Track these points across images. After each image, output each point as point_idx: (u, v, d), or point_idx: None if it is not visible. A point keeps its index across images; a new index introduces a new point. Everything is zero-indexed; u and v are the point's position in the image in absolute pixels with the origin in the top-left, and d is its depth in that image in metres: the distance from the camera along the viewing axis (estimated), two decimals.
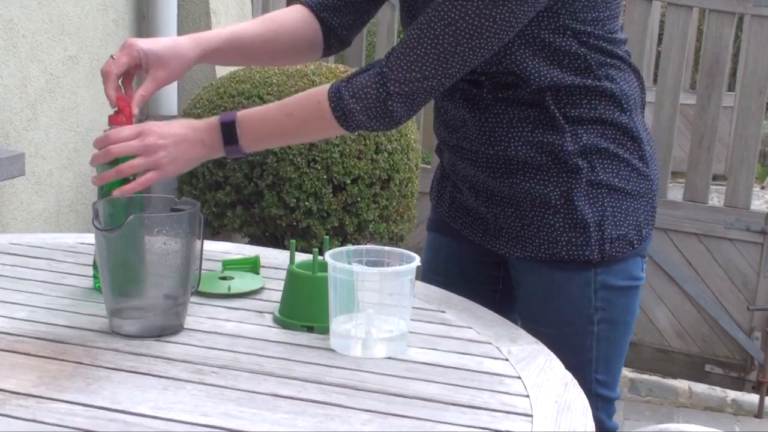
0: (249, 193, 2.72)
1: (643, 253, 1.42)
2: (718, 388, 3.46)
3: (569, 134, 1.33)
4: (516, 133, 1.34)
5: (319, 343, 1.18)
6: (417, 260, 1.16)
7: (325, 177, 2.67)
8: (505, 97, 1.33)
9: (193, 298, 1.26)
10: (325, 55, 1.53)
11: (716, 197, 4.28)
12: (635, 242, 1.39)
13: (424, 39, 1.24)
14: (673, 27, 3.48)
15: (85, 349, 1.12)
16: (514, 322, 1.47)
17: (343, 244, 2.71)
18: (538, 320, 1.42)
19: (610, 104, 1.35)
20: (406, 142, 2.86)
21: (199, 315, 1.26)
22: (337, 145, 2.68)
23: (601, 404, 1.44)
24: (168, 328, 1.18)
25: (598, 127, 1.35)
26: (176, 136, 1.28)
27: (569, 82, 1.32)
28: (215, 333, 1.20)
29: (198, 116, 2.77)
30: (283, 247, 2.72)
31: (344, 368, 1.10)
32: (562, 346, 1.32)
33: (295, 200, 2.67)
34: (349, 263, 1.17)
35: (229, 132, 1.29)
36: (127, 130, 1.28)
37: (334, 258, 1.16)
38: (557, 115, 1.33)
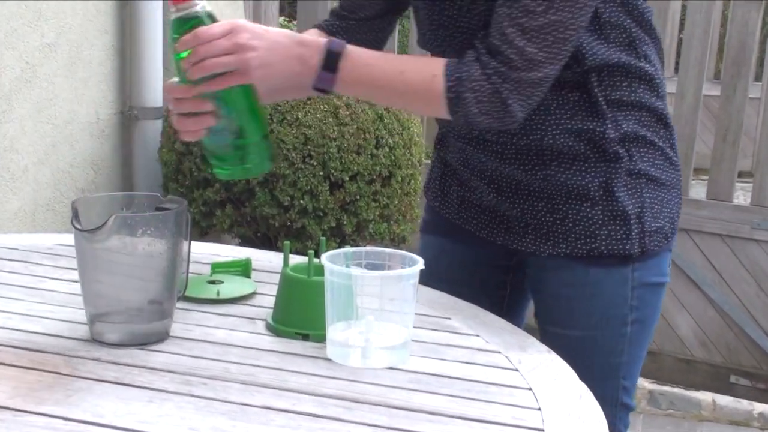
0: (239, 191, 2.73)
1: (671, 248, 1.44)
2: (744, 401, 3.46)
3: (610, 120, 1.35)
4: (554, 121, 1.35)
5: (316, 352, 1.18)
6: (420, 263, 1.16)
7: (321, 173, 2.67)
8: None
9: (180, 304, 1.26)
10: None
11: (742, 195, 4.28)
12: (669, 235, 1.41)
13: (544, 20, 1.20)
14: (696, 12, 3.48)
15: (64, 359, 1.12)
16: (520, 327, 1.48)
17: (340, 245, 2.71)
18: (565, 322, 1.43)
19: (647, 88, 1.38)
20: (408, 136, 2.86)
21: (187, 322, 1.26)
22: (335, 140, 2.68)
23: (623, 414, 1.45)
24: (153, 336, 1.18)
25: (636, 113, 1.37)
26: (272, 41, 1.22)
27: (615, 59, 1.33)
28: (204, 341, 1.20)
29: None
30: (277, 248, 2.72)
31: (342, 379, 1.10)
32: (590, 350, 1.33)
33: (289, 198, 2.68)
34: (348, 266, 1.18)
35: (332, 59, 1.23)
36: (217, 27, 1.19)
37: (332, 261, 1.16)
38: (600, 98, 1.34)
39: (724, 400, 3.45)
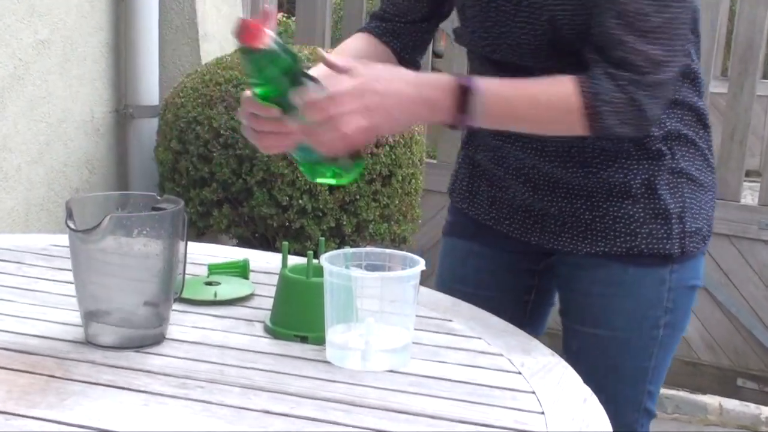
0: (237, 191, 2.73)
1: (705, 251, 1.45)
2: (751, 405, 3.45)
3: None
4: None
5: (315, 355, 1.18)
6: (421, 264, 1.16)
7: None
8: None
9: (176, 306, 1.26)
10: None
11: (750, 195, 4.28)
12: (706, 238, 1.43)
13: (659, 20, 1.21)
14: (703, 8, 3.48)
15: (57, 361, 1.12)
16: (539, 333, 1.48)
17: (340, 246, 2.71)
18: (596, 321, 1.43)
19: (690, 86, 1.39)
20: (409, 135, 2.86)
21: (183, 324, 1.26)
22: None
23: (645, 420, 1.46)
24: (148, 339, 1.18)
25: (679, 112, 1.38)
26: (401, 96, 1.21)
27: None
28: (201, 344, 1.20)
29: (181, 106, 2.77)
30: (275, 249, 2.72)
31: (342, 382, 1.10)
32: (620, 352, 1.34)
33: (287, 198, 2.68)
34: (347, 267, 1.18)
35: (466, 100, 1.23)
36: (346, 83, 1.18)
37: (331, 261, 1.16)
38: None
39: (731, 404, 3.45)
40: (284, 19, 6.98)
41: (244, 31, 1.14)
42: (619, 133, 1.25)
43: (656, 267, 1.40)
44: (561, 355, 1.52)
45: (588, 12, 1.26)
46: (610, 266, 1.41)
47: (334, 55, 1.42)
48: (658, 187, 1.38)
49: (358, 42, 1.51)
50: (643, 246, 1.39)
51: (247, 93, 1.22)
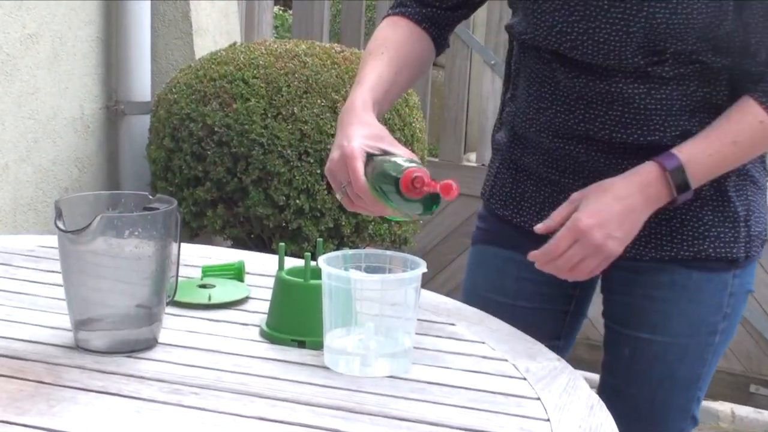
0: (232, 190, 2.73)
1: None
2: (764, 411, 3.45)
3: None
4: (674, 122, 1.36)
5: (312, 360, 1.18)
6: (423, 266, 1.16)
7: (318, 171, 2.67)
8: (684, 75, 1.34)
9: (169, 309, 1.26)
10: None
11: None
12: (764, 241, 1.44)
13: None
14: None
15: (47, 367, 1.12)
16: (571, 345, 1.49)
17: (339, 247, 2.71)
18: (654, 327, 1.44)
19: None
20: (410, 132, 2.86)
21: (176, 328, 1.26)
22: (332, 135, 2.68)
23: (691, 427, 1.47)
24: (141, 343, 1.18)
25: None
26: (618, 215, 1.31)
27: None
28: (194, 348, 1.20)
29: (174, 102, 2.77)
30: (271, 251, 2.72)
31: (340, 388, 1.11)
32: (677, 358, 1.35)
33: (284, 198, 2.68)
34: (346, 269, 1.18)
35: (680, 179, 1.32)
36: (564, 241, 1.31)
37: (329, 263, 1.16)
38: (724, 98, 1.35)
39: (744, 411, 3.45)
40: (280, 12, 6.97)
41: (449, 190, 1.15)
42: None
43: (721, 272, 1.42)
44: (604, 361, 1.52)
45: (691, 9, 1.28)
46: (673, 270, 1.42)
47: (377, 50, 1.45)
48: (727, 189, 1.40)
49: (398, 32, 1.50)
50: (710, 250, 1.40)
51: (362, 180, 1.24)
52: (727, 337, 1.46)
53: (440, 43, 1.54)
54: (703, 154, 1.32)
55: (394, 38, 1.48)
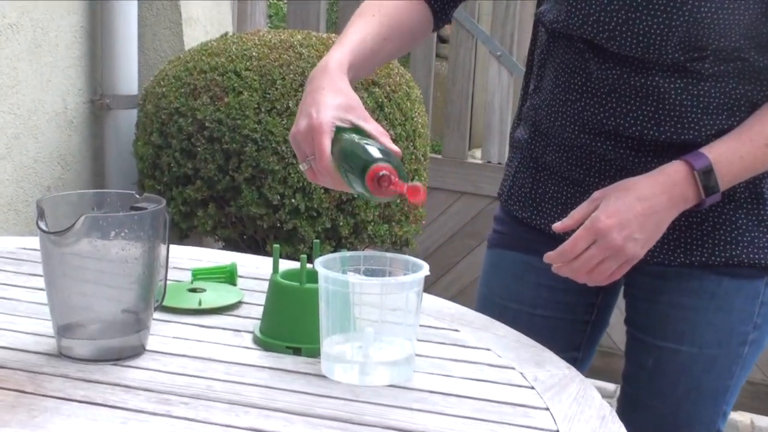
0: (223, 189, 2.73)
1: None
2: None
3: None
4: (709, 121, 1.35)
5: (308, 368, 1.18)
6: (425, 269, 1.16)
7: None
8: (724, 72, 1.34)
9: (157, 315, 1.26)
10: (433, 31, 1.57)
11: None
12: None
13: None
14: None
15: (28, 375, 1.12)
16: (591, 356, 1.48)
17: (336, 249, 2.71)
18: (681, 337, 1.44)
19: None
20: (411, 127, 2.86)
21: (165, 335, 1.26)
22: None
23: None
24: (127, 350, 1.18)
25: None
26: (639, 216, 1.30)
27: None
28: (184, 356, 1.20)
29: (163, 95, 2.78)
30: (265, 253, 2.72)
31: (338, 398, 1.11)
32: (705, 369, 1.35)
33: (278, 197, 2.68)
34: (344, 272, 1.18)
35: (709, 179, 1.31)
36: (581, 241, 1.31)
37: (326, 266, 1.16)
38: (765, 97, 1.35)
39: (764, 422, 3.45)
40: (275, 0, 6.98)
41: (417, 194, 1.16)
42: None
43: (753, 279, 1.42)
44: (625, 371, 1.52)
45: (738, 4, 1.28)
46: (702, 277, 1.42)
47: (368, 11, 1.43)
48: (764, 191, 1.39)
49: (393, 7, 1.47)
50: (743, 256, 1.40)
51: (328, 158, 1.23)
52: (757, 349, 1.46)
53: (440, 17, 1.53)
54: (734, 155, 1.32)
55: (389, 1, 1.47)
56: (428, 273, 1.17)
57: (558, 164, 1.48)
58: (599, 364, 1.29)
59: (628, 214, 1.30)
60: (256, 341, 1.26)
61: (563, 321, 1.52)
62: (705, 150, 1.32)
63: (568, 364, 1.25)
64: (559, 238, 1.43)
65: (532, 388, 1.17)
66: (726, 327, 1.43)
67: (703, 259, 1.41)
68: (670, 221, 1.33)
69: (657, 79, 1.35)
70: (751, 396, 3.53)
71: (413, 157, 2.86)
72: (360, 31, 1.39)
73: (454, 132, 3.64)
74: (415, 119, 2.89)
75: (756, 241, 1.40)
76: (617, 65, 1.36)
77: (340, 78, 1.30)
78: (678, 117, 1.35)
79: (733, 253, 1.40)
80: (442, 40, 5.28)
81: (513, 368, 1.22)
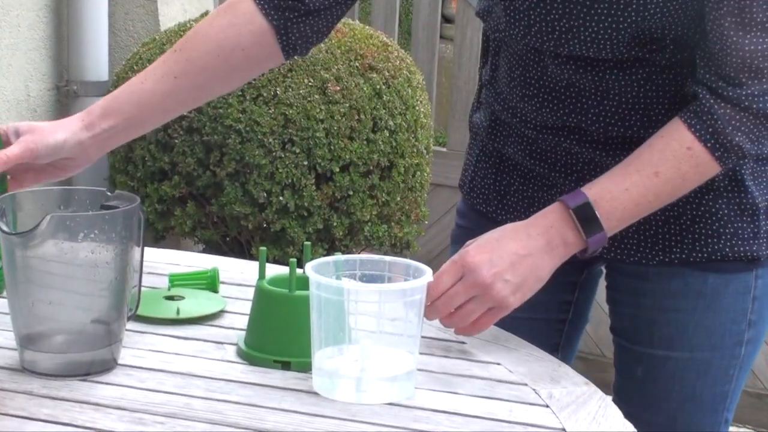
0: (204, 185, 2.73)
1: None
2: None
3: None
4: (676, 112, 1.35)
5: (298, 385, 1.19)
6: (428, 274, 1.17)
7: (305, 163, 2.68)
8: (686, 60, 1.34)
9: (131, 325, 1.26)
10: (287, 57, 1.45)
11: None
12: None
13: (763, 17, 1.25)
14: None
15: None
16: (571, 357, 1.48)
17: (329, 252, 2.71)
18: (670, 342, 1.45)
19: None
20: (413, 117, 2.87)
21: (139, 347, 1.27)
22: (322, 121, 2.69)
23: None
24: (97, 364, 1.18)
25: None
26: (512, 255, 1.28)
27: None
28: (160, 371, 1.21)
29: None
30: (250, 256, 2.72)
31: (331, 417, 1.11)
32: (699, 376, 1.36)
33: (265, 194, 2.68)
34: (338, 278, 1.18)
35: (588, 218, 1.29)
36: (446, 275, 1.27)
37: (318, 271, 1.16)
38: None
39: None
40: None
41: None
42: (754, 152, 1.30)
43: (740, 273, 1.42)
44: (616, 382, 1.53)
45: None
46: (685, 275, 1.43)
47: (177, 45, 1.41)
48: (744, 177, 1.39)
49: (221, 22, 1.40)
50: (727, 249, 1.41)
51: None
52: (754, 349, 1.46)
53: (290, 47, 1.41)
54: (617, 188, 1.30)
55: (204, 31, 1.41)
56: (431, 279, 1.17)
57: (521, 158, 1.49)
58: (579, 370, 1.29)
59: (500, 252, 1.28)
60: (241, 354, 1.26)
61: (538, 321, 1.52)
62: (585, 187, 1.31)
63: (586, 380, 1.25)
64: None
65: (547, 406, 1.17)
66: (718, 328, 1.44)
67: (684, 255, 1.42)
68: (549, 269, 1.31)
69: (616, 72, 1.36)
70: (752, 407, 3.52)
71: (415, 150, 2.87)
72: (144, 73, 1.40)
73: (461, 122, 3.64)
74: (417, 108, 2.90)
75: (740, 232, 1.40)
76: (572, 61, 1.38)
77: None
78: (643, 111, 1.37)
79: (716, 246, 1.41)
80: (447, 19, 5.28)
81: (526, 384, 1.23)
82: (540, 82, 1.42)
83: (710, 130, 1.28)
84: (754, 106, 1.26)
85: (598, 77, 1.37)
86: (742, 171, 1.39)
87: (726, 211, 1.40)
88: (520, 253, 1.28)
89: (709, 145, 1.28)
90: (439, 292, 1.26)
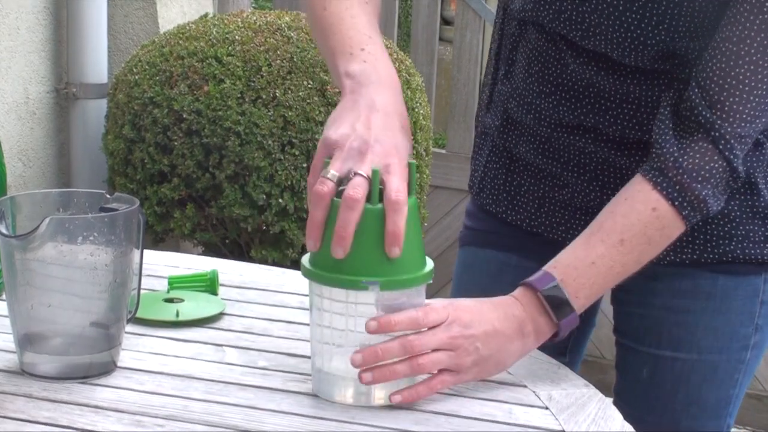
0: (203, 188, 2.73)
1: None
2: None
3: None
4: None
5: (298, 387, 1.18)
6: (423, 297, 1.16)
7: (304, 165, 2.68)
8: None
9: (130, 328, 1.26)
10: None
11: None
12: None
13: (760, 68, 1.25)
14: None
15: None
16: (578, 361, 1.48)
17: None
18: (678, 344, 1.45)
19: None
20: (412, 119, 2.87)
21: (138, 350, 1.26)
22: (321, 123, 2.68)
23: None
24: (96, 367, 1.18)
25: None
26: (488, 330, 1.19)
27: None
28: (159, 373, 1.21)
29: (135, 84, 2.78)
30: (249, 258, 2.72)
31: (331, 419, 1.11)
32: (705, 379, 1.37)
33: (264, 196, 2.68)
34: None
35: (557, 300, 1.23)
36: (435, 313, 1.17)
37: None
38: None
39: None
40: None
41: None
42: (715, 209, 1.29)
43: (750, 276, 1.43)
44: (619, 384, 1.52)
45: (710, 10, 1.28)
46: (695, 276, 1.43)
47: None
48: (758, 180, 1.40)
49: None
50: (738, 251, 1.41)
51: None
52: (759, 353, 1.47)
53: None
54: (582, 263, 1.25)
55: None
56: (431, 280, 1.17)
57: (533, 157, 1.49)
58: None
59: (480, 317, 1.21)
60: (309, 274, 1.16)
61: None
62: (550, 266, 1.26)
63: (586, 382, 1.25)
64: (538, 234, 1.46)
65: (547, 408, 1.17)
66: (726, 330, 1.44)
67: (695, 256, 1.42)
68: (514, 356, 1.23)
69: (638, 77, 1.36)
70: (754, 409, 3.52)
71: (414, 151, 2.87)
72: (370, 22, 1.33)
73: (460, 124, 3.64)
74: (416, 110, 2.90)
75: (751, 234, 1.41)
76: (593, 61, 1.37)
77: (397, 107, 1.24)
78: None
79: (727, 248, 1.41)
80: (446, 21, 5.28)
81: (525, 386, 1.22)
82: (559, 80, 1.42)
83: (677, 187, 1.26)
84: (728, 155, 1.26)
85: (619, 81, 1.37)
86: (756, 174, 1.40)
87: (738, 213, 1.41)
88: (496, 328, 1.20)
89: (676, 203, 1.26)
90: (425, 325, 1.16)
